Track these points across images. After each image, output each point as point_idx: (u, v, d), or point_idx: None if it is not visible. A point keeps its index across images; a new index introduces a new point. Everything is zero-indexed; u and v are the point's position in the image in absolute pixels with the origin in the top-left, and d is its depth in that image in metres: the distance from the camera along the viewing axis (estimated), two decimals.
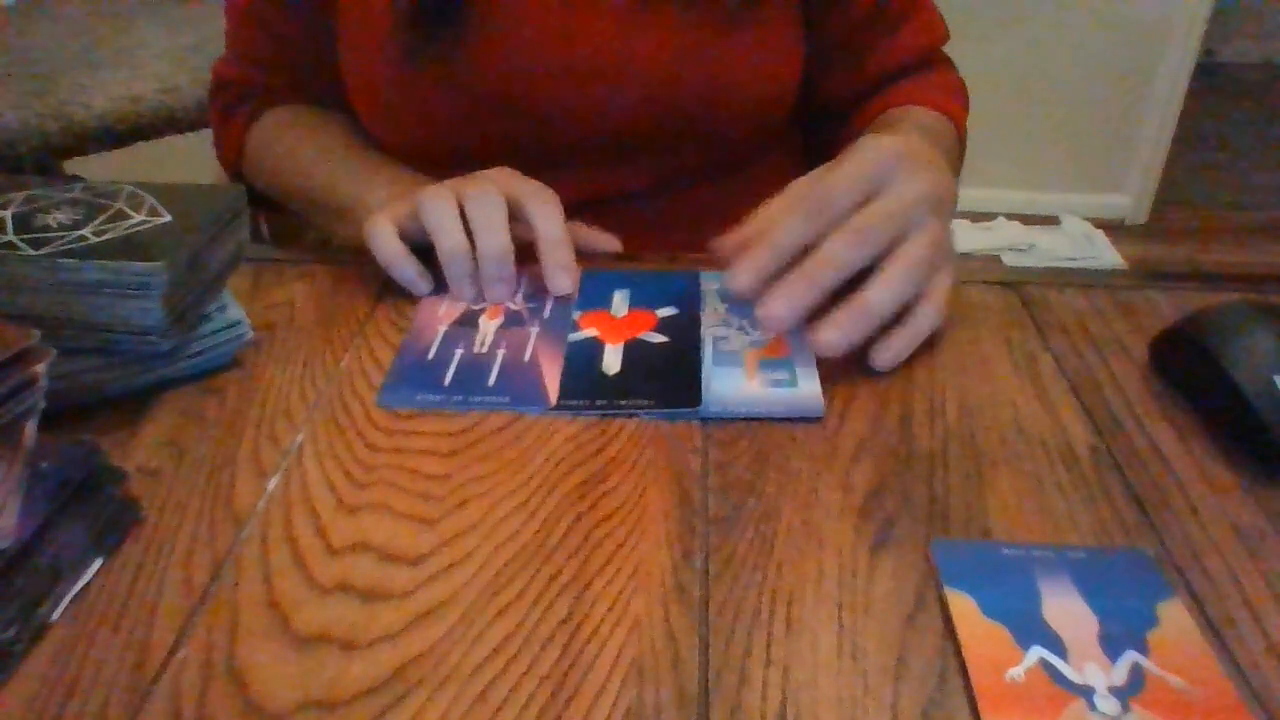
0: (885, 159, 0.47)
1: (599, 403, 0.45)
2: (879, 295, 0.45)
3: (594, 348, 0.49)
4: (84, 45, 1.17)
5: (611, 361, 0.48)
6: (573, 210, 0.54)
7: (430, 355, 0.48)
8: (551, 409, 0.44)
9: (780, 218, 0.47)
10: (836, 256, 0.45)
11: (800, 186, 0.49)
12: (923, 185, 0.47)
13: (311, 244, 0.75)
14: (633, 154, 0.66)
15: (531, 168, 0.55)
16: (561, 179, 0.55)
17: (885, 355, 0.47)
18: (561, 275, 0.53)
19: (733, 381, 0.46)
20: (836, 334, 0.45)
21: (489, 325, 0.51)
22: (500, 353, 0.49)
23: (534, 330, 0.50)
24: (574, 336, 0.50)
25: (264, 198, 0.74)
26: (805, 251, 0.46)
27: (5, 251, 0.42)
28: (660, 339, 0.49)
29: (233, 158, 0.75)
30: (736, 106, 0.65)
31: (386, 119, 0.66)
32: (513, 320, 0.51)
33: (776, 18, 0.64)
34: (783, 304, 0.45)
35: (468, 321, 0.51)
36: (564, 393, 0.45)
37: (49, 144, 1.00)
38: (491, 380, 0.46)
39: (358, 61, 0.66)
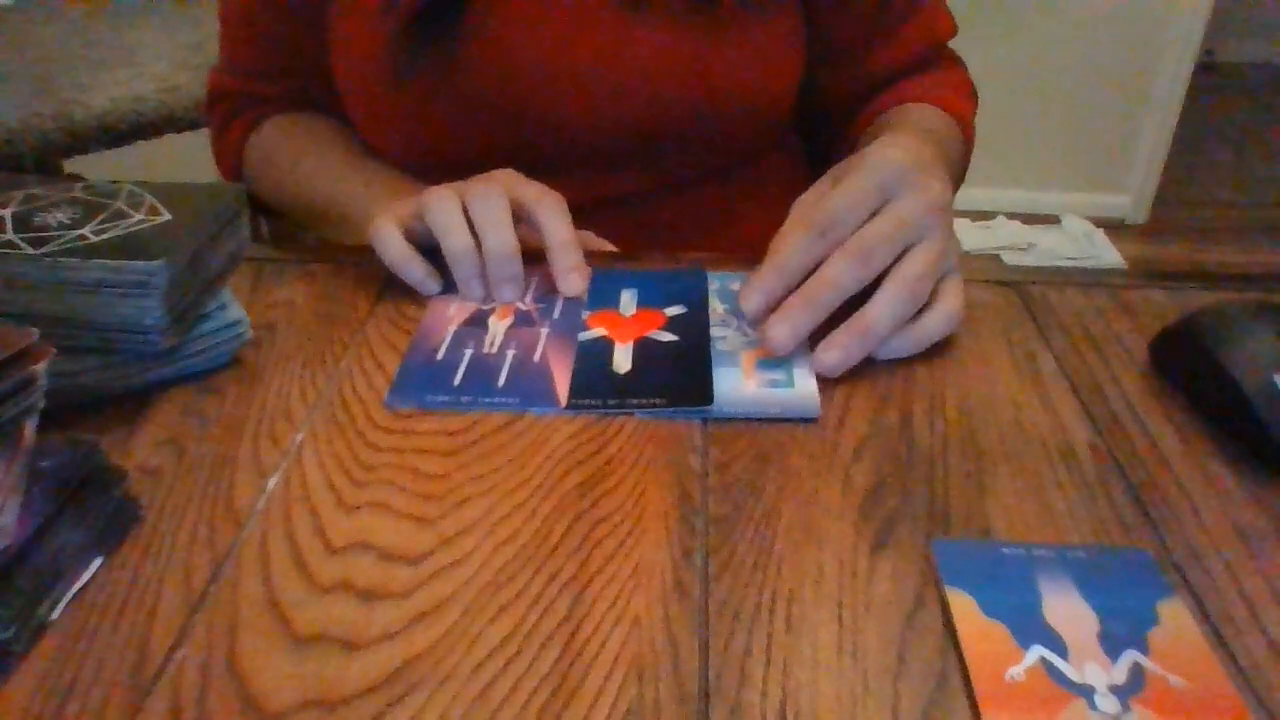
0: (891, 172, 0.47)
1: (610, 402, 0.44)
2: (879, 314, 0.46)
3: (604, 347, 0.49)
4: (84, 45, 1.17)
5: (621, 360, 0.48)
6: (572, 214, 0.54)
7: (439, 356, 0.48)
8: (563, 409, 0.44)
9: (787, 239, 0.47)
10: (837, 278, 0.46)
11: (806, 205, 0.49)
12: (927, 198, 0.47)
13: (311, 244, 0.75)
14: (631, 157, 0.66)
15: (529, 173, 0.55)
16: (560, 183, 0.54)
17: (882, 351, 0.47)
18: (573, 277, 0.53)
19: (730, 381, 0.46)
20: (839, 355, 0.46)
21: (499, 325, 0.51)
22: (510, 353, 0.48)
23: (544, 330, 0.50)
24: (583, 336, 0.50)
25: (264, 206, 0.74)
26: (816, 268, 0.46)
27: (5, 251, 0.42)
28: (669, 337, 0.49)
29: (232, 169, 0.74)
30: (735, 109, 0.64)
31: (381, 126, 0.66)
32: (523, 320, 0.51)
33: (775, 18, 0.64)
34: (785, 328, 0.46)
35: (477, 322, 0.51)
36: (575, 393, 0.45)
37: (49, 144, 1.00)
38: (502, 381, 0.46)
39: (351, 68, 0.65)
